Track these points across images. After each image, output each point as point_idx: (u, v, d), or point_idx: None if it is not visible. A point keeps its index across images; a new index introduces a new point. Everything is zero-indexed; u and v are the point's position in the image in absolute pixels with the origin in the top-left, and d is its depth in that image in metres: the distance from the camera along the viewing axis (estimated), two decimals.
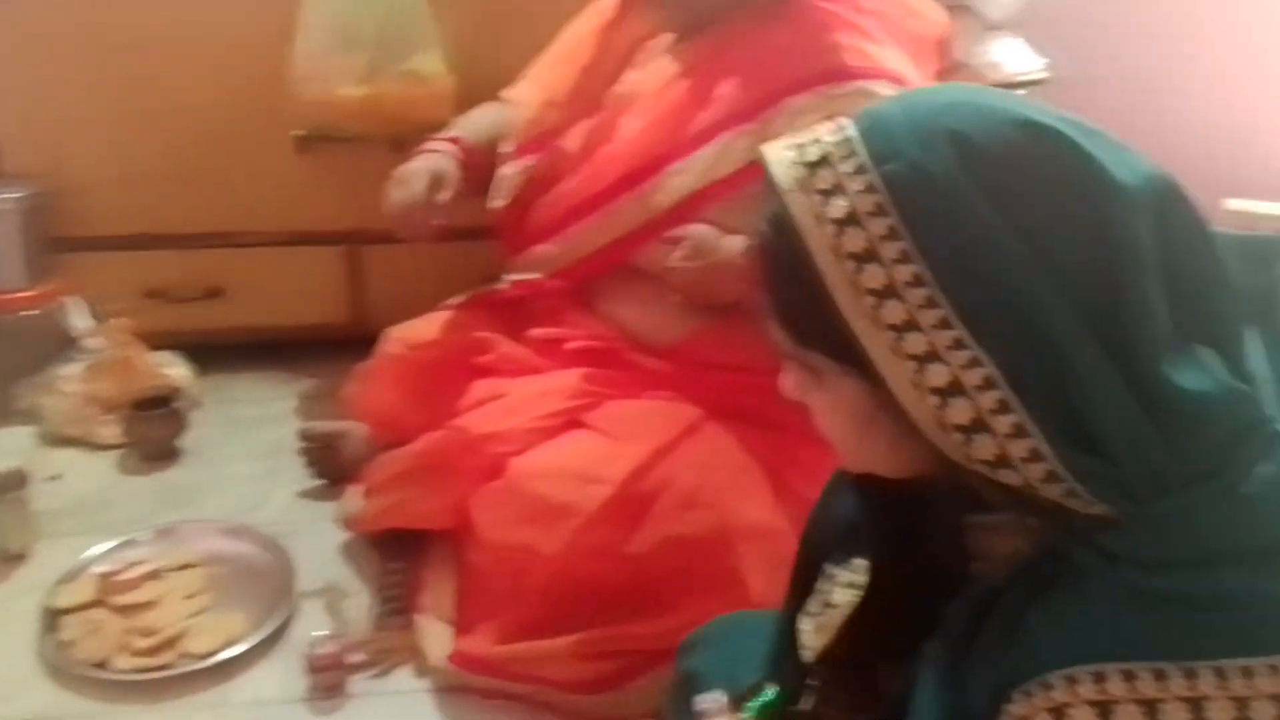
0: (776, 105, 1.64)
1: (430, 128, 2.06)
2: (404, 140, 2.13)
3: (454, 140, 1.87)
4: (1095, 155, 0.71)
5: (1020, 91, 2.23)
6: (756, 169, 0.79)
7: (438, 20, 2.02)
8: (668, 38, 1.81)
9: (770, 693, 1.03)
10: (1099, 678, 0.67)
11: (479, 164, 1.86)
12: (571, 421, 1.68)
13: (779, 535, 1.52)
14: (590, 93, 1.85)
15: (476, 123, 1.92)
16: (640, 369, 1.74)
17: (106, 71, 2.07)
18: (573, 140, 1.83)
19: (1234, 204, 2.13)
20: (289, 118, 2.05)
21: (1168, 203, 0.72)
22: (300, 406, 2.23)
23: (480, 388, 1.78)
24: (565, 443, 1.64)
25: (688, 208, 1.68)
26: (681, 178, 1.69)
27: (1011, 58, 2.24)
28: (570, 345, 1.78)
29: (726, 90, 1.69)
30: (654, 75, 1.79)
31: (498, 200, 1.86)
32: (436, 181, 1.77)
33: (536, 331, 1.84)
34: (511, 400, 1.73)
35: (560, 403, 1.69)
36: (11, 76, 2.05)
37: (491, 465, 1.63)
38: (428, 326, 1.88)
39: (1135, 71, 2.69)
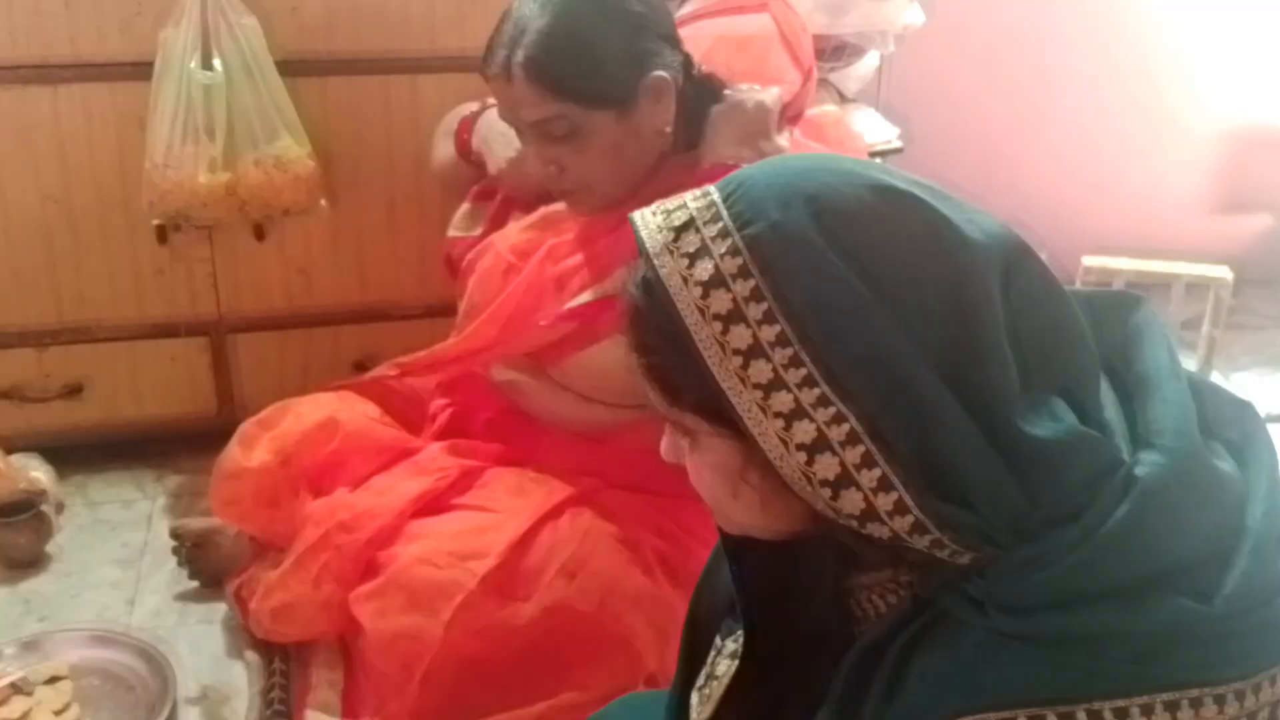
0: None
1: (293, 213, 2.06)
2: (266, 225, 2.12)
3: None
4: (946, 215, 0.74)
5: (877, 160, 2.32)
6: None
7: (298, 106, 2.01)
8: None
9: None
10: None
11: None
12: (447, 501, 1.66)
13: (666, 603, 1.53)
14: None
15: None
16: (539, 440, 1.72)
17: None
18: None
19: (1090, 260, 2.23)
20: (147, 207, 2.00)
21: (1016, 259, 0.75)
22: (170, 504, 2.16)
23: (351, 478, 1.74)
24: (443, 524, 1.62)
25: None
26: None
27: (869, 127, 2.33)
28: (483, 416, 1.76)
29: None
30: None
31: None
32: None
33: (437, 404, 1.82)
34: (383, 483, 1.70)
35: (436, 479, 1.67)
36: None
37: (369, 560, 1.60)
38: (292, 422, 1.80)
39: (988, 134, 2.82)
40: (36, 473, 2.10)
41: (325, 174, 2.07)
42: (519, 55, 1.48)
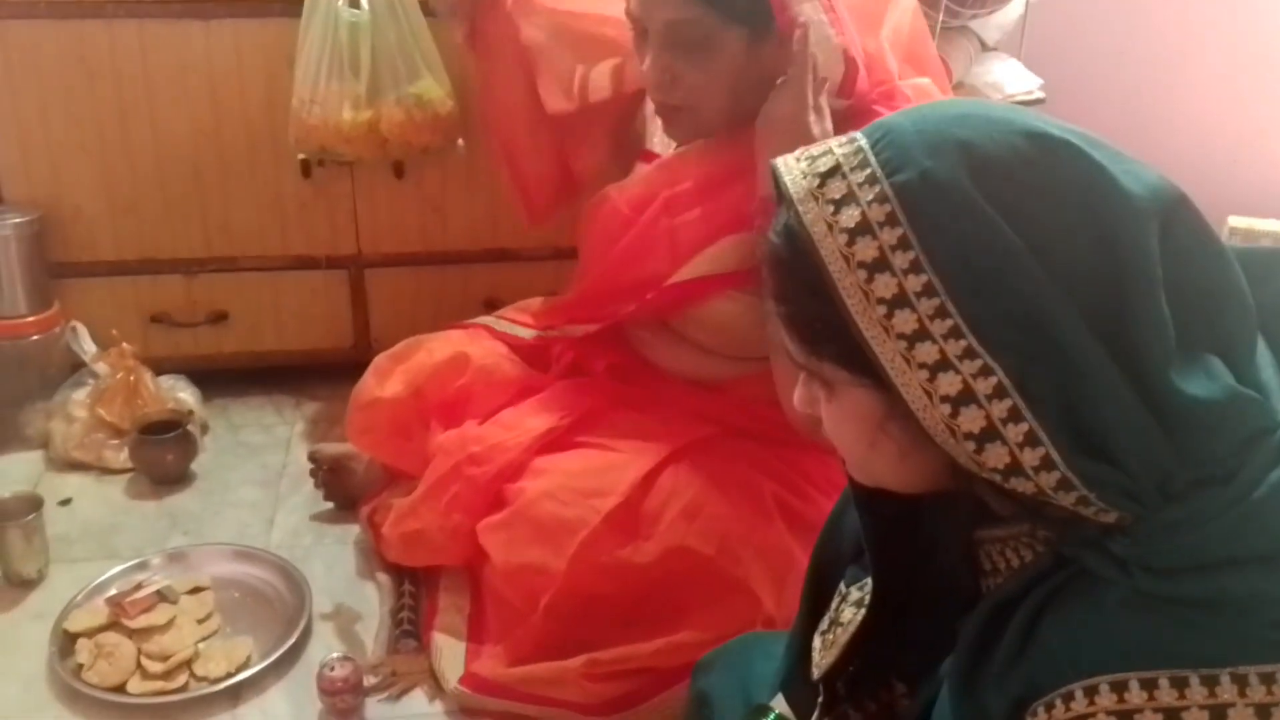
0: None
1: (431, 152, 2.09)
2: (405, 164, 2.17)
3: None
4: (1104, 165, 0.72)
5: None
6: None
7: (440, 46, 2.04)
8: None
9: (774, 714, 1.03)
10: (1118, 687, 0.68)
11: None
12: (572, 438, 1.68)
13: (785, 551, 1.53)
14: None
15: None
16: (660, 385, 1.74)
17: (104, 99, 2.09)
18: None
19: (1235, 220, 2.15)
20: (293, 143, 2.06)
21: (1175, 212, 0.73)
22: (306, 430, 2.24)
23: (480, 411, 1.78)
24: (568, 460, 1.64)
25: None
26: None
27: (1009, 78, 2.27)
28: (603, 362, 1.78)
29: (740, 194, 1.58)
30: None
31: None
32: None
33: (560, 346, 1.84)
34: (511, 417, 1.73)
35: (562, 416, 1.70)
36: (9, 106, 2.07)
37: (497, 492, 1.64)
38: (424, 356, 1.84)
39: (1131, 90, 2.73)
40: (183, 394, 2.20)
41: (463, 115, 2.10)
42: None
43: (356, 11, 1.97)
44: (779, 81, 1.51)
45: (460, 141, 2.13)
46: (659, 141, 1.75)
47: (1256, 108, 2.79)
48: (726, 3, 1.48)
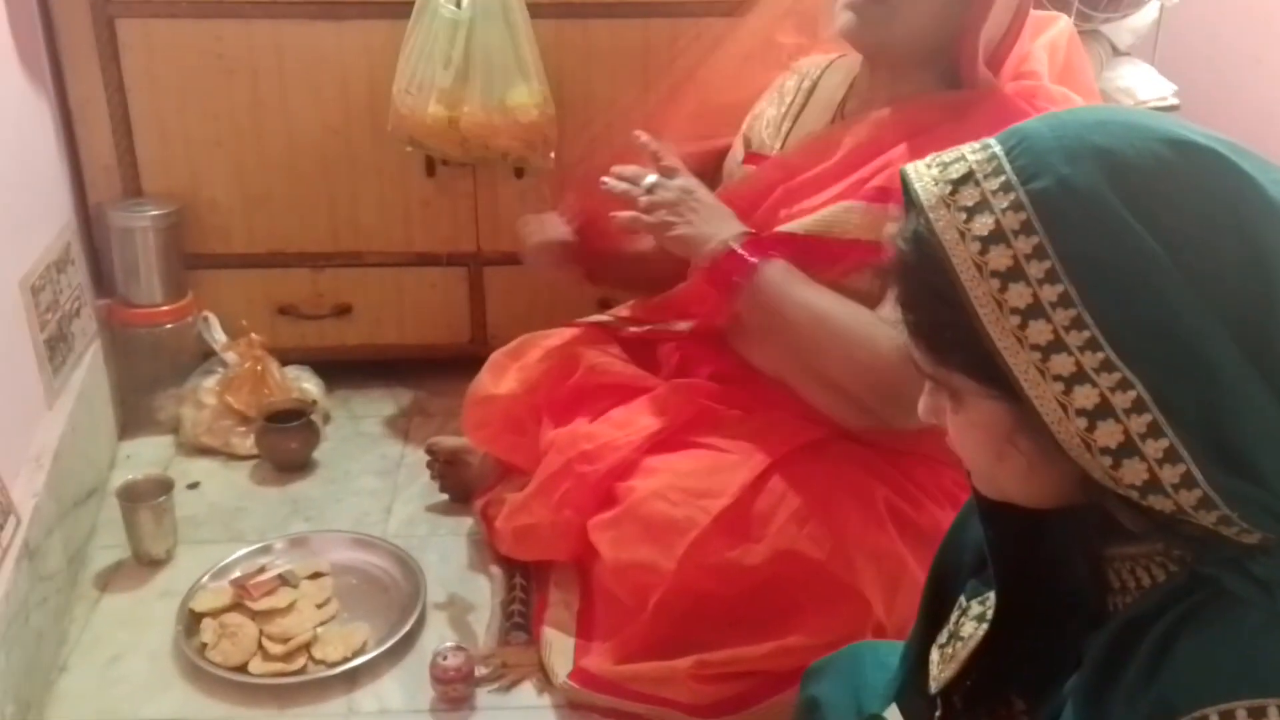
0: None
1: (511, 158, 2.09)
2: (523, 167, 2.18)
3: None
4: (1252, 175, 0.70)
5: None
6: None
7: (540, 52, 2.04)
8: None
9: None
10: (1256, 713, 0.66)
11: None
12: (683, 438, 1.67)
13: (897, 558, 1.52)
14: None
15: None
16: (764, 389, 1.73)
17: (239, 97, 2.15)
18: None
19: None
20: (390, 129, 2.10)
21: None
22: (424, 423, 2.28)
23: (591, 410, 1.78)
24: (678, 460, 1.64)
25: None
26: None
27: (1141, 83, 2.21)
28: (707, 370, 1.77)
29: (874, 168, 1.56)
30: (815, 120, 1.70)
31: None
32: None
33: (667, 348, 1.84)
34: (622, 416, 1.73)
35: (673, 416, 1.69)
36: (150, 102, 2.15)
37: (607, 490, 1.64)
38: (539, 355, 1.85)
39: (1270, 95, 2.62)
40: (307, 384, 2.27)
41: (558, 128, 2.08)
42: None
43: (456, 9, 1.98)
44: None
45: (552, 155, 2.11)
46: (767, 139, 1.74)
47: None
48: None
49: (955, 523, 1.05)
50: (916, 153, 1.43)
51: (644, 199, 1.58)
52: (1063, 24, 1.72)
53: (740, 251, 1.53)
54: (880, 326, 1.45)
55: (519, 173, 2.21)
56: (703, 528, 1.52)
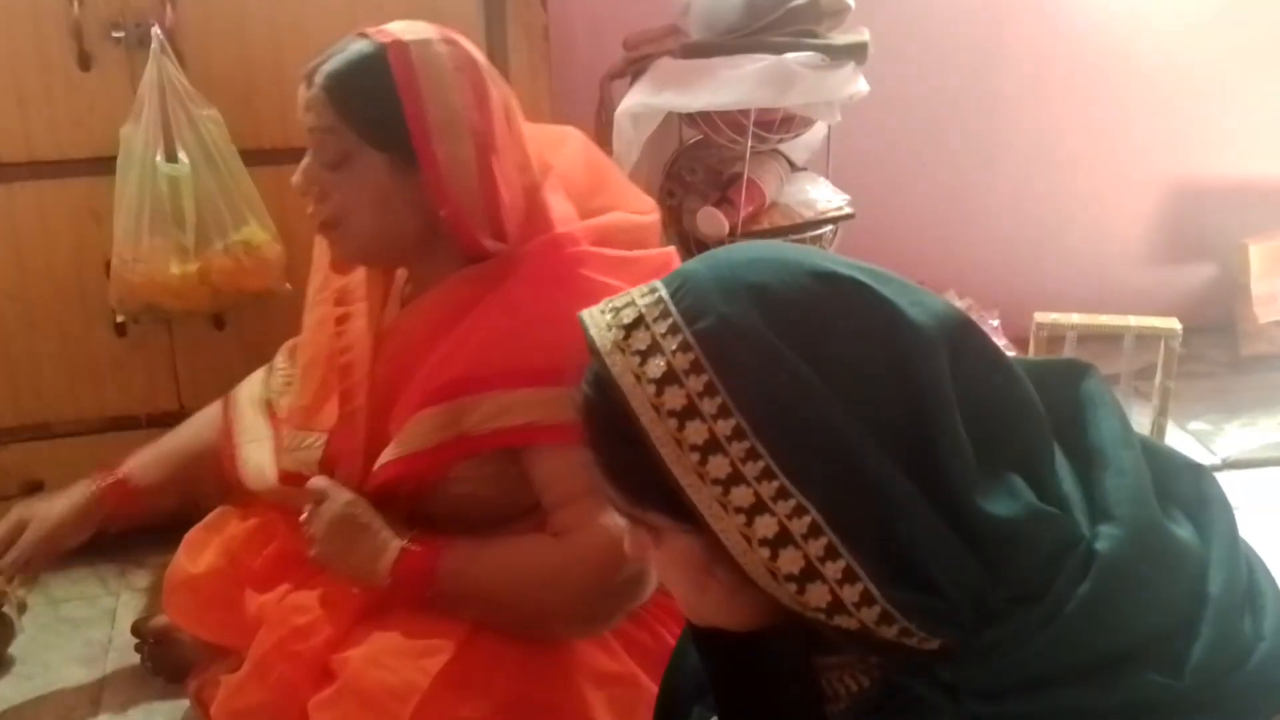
0: (476, 396, 1.47)
1: (263, 297, 2.06)
2: (226, 314, 2.12)
3: (120, 481, 1.78)
4: (890, 298, 0.75)
5: (828, 228, 2.35)
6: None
7: (261, 191, 2.02)
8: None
9: None
10: None
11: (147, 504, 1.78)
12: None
13: (631, 681, 1.50)
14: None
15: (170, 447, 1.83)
16: None
17: None
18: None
19: (1042, 317, 2.25)
20: (115, 304, 2.01)
21: (962, 337, 0.76)
22: (132, 600, 2.12)
23: (296, 573, 1.65)
24: (395, 619, 1.52)
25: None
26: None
27: (819, 195, 2.36)
28: None
29: (431, 365, 1.52)
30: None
31: None
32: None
33: None
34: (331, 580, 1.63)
35: None
36: None
37: (324, 663, 1.53)
38: (238, 523, 1.74)
39: (937, 198, 2.87)
40: None
41: (288, 256, 2.07)
42: (326, 65, 1.44)
43: (176, 165, 1.94)
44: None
45: (287, 285, 2.08)
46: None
47: (1053, 207, 2.97)
48: (361, 121, 1.44)
49: (676, 650, 1.06)
50: (465, 332, 1.47)
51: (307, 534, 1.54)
52: (571, 135, 1.71)
53: (411, 569, 1.48)
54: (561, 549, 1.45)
55: (219, 323, 2.13)
56: (424, 692, 1.43)
